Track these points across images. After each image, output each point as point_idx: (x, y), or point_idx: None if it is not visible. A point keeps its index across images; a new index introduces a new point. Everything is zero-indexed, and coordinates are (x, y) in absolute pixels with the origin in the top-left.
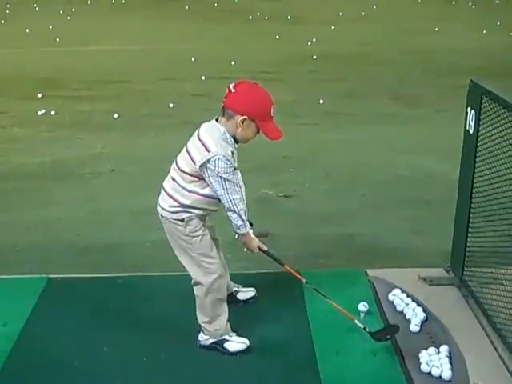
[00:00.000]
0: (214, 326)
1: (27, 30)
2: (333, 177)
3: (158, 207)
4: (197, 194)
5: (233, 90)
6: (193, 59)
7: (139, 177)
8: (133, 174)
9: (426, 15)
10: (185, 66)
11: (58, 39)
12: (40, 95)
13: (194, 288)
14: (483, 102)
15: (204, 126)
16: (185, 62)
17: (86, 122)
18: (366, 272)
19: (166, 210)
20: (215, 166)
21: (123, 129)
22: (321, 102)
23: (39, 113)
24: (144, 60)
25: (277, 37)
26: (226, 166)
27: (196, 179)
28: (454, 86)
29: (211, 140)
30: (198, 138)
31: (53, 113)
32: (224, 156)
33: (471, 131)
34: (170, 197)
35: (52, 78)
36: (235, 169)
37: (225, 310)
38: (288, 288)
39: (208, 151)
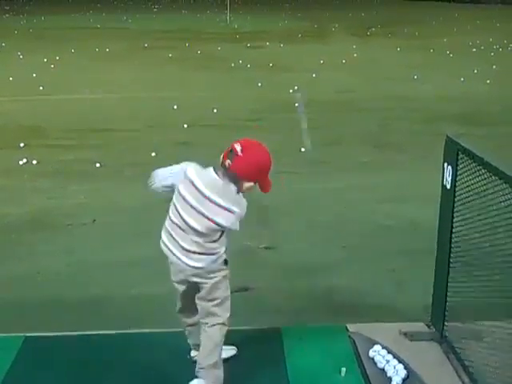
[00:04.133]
0: (219, 372)
1: (10, 79)
2: (315, 227)
3: (188, 268)
4: (223, 235)
5: (240, 154)
6: (175, 107)
7: (121, 228)
8: (114, 224)
9: (406, 63)
10: (167, 114)
11: (41, 87)
12: (22, 144)
13: (213, 329)
14: (459, 157)
15: (207, 182)
16: (167, 110)
17: (69, 172)
18: (346, 327)
19: (203, 267)
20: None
21: (105, 178)
22: (303, 149)
23: (21, 162)
24: (127, 108)
25: (259, 84)
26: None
27: (219, 228)
28: (434, 132)
29: (231, 203)
30: (215, 203)
31: (34, 162)
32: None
33: (448, 186)
34: (203, 254)
35: (35, 126)
36: None
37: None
38: (268, 344)
39: (233, 213)
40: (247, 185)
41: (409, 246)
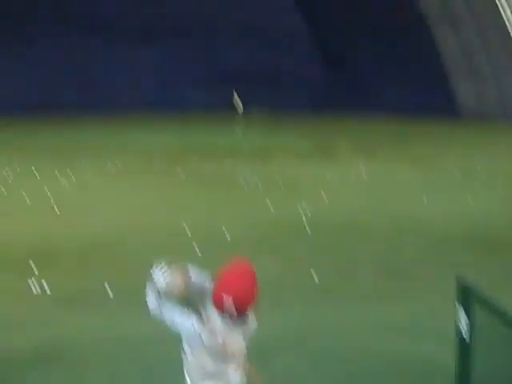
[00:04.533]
0: None
1: (26, 200)
2: (327, 363)
3: None
4: None
5: (234, 306)
6: (186, 228)
7: (132, 363)
8: (125, 359)
9: (414, 183)
10: (178, 237)
11: (55, 208)
12: (34, 269)
13: None
14: (474, 307)
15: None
16: (178, 232)
17: (80, 299)
18: None
19: None
20: None
21: (118, 306)
22: (312, 276)
23: (33, 288)
24: (139, 231)
25: (268, 204)
26: None
27: None
28: (444, 259)
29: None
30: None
31: (46, 288)
32: None
33: (464, 335)
34: None
35: (47, 250)
36: None
37: None
38: None
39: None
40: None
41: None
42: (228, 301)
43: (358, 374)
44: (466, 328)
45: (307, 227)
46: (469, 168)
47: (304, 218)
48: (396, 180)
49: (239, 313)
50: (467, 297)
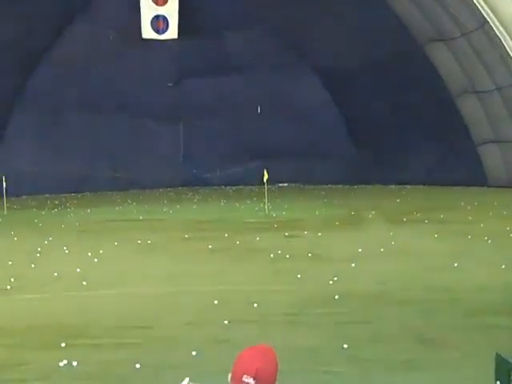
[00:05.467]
0: None
1: (55, 274)
2: None
3: None
4: None
5: (254, 382)
6: (215, 302)
7: None
8: None
9: (444, 250)
10: (207, 310)
11: (84, 282)
12: (63, 344)
13: None
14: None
15: None
16: (207, 305)
17: (108, 373)
18: None
19: None
20: None
21: (145, 380)
22: (345, 346)
23: (61, 364)
24: (167, 303)
25: (298, 276)
26: None
27: None
28: (480, 326)
29: None
30: None
31: (74, 363)
32: None
33: None
34: None
35: (75, 324)
36: None
37: None
38: None
39: None
40: None
41: None
42: (248, 379)
43: None
44: None
45: (336, 297)
46: (500, 235)
47: (332, 289)
48: (425, 247)
49: None
50: (505, 369)
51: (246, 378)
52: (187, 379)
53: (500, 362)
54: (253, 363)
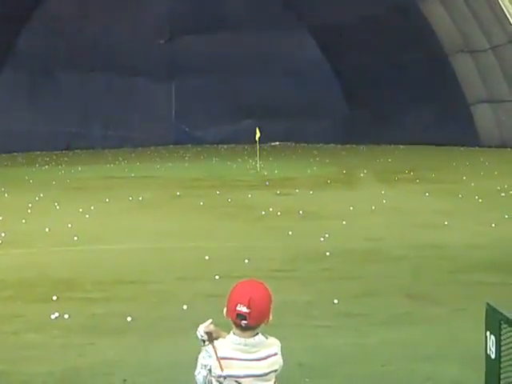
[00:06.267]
0: None
1: (46, 230)
2: None
3: None
4: None
5: (248, 311)
6: (206, 257)
7: None
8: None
9: (435, 209)
10: (198, 265)
11: (75, 238)
12: (55, 297)
13: None
14: (502, 327)
15: (245, 350)
16: (198, 261)
17: (100, 326)
18: None
19: None
20: None
21: (137, 333)
22: (335, 301)
23: (53, 316)
24: (159, 259)
25: (289, 233)
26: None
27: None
28: (468, 282)
29: (270, 348)
30: (264, 359)
31: (66, 316)
32: None
33: (493, 356)
34: None
35: (67, 279)
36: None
37: None
38: None
39: (277, 353)
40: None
41: None
42: (243, 303)
43: None
44: (495, 351)
45: (327, 254)
46: (490, 194)
47: (324, 245)
48: (416, 205)
49: (253, 322)
50: (496, 319)
51: (239, 307)
52: (210, 320)
53: (491, 312)
54: (246, 294)
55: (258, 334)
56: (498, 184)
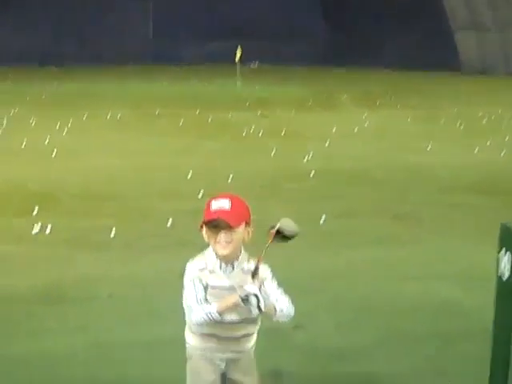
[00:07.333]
0: None
1: (23, 145)
2: (340, 305)
3: None
4: None
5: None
6: (189, 176)
7: (138, 303)
8: (131, 299)
9: (417, 133)
10: (181, 183)
11: (53, 154)
12: (35, 212)
13: None
14: None
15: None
16: (180, 179)
17: (82, 241)
18: None
19: None
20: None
21: (120, 248)
22: (320, 221)
23: (33, 231)
24: (140, 176)
25: (272, 153)
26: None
27: None
28: (454, 203)
29: None
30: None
31: (47, 230)
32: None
33: (505, 277)
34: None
35: (47, 193)
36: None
37: None
38: None
39: None
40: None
41: (442, 328)
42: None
43: (375, 315)
44: (508, 265)
45: (311, 174)
46: (472, 120)
47: (307, 165)
48: (398, 129)
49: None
50: (510, 235)
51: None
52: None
53: (505, 230)
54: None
55: None
56: (479, 110)
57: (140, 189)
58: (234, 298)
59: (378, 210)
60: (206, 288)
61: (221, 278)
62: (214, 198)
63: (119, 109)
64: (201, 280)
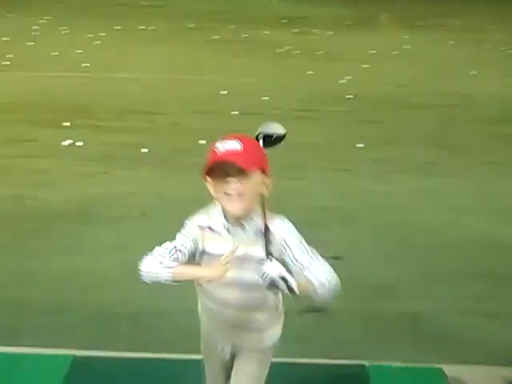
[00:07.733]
0: None
1: (55, 54)
2: (381, 236)
3: None
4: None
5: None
6: (222, 92)
7: (172, 224)
8: (165, 219)
9: (460, 58)
10: (214, 100)
11: (86, 65)
12: (66, 124)
13: None
14: None
15: None
16: (214, 95)
17: (114, 156)
18: (442, 370)
19: None
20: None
21: (153, 165)
22: (358, 146)
23: (65, 143)
24: (172, 90)
25: (308, 73)
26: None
27: None
28: (498, 134)
29: None
30: None
31: (79, 144)
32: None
33: None
34: None
35: (79, 105)
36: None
37: None
38: None
39: None
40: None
41: (489, 267)
42: (229, 142)
43: (419, 249)
44: None
45: (350, 97)
46: None
47: (344, 88)
48: (441, 54)
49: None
50: None
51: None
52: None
53: None
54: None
55: None
56: None
57: (173, 104)
58: (210, 272)
59: (418, 137)
60: (202, 254)
61: (225, 242)
62: (220, 139)
63: (153, 21)
64: (195, 241)
